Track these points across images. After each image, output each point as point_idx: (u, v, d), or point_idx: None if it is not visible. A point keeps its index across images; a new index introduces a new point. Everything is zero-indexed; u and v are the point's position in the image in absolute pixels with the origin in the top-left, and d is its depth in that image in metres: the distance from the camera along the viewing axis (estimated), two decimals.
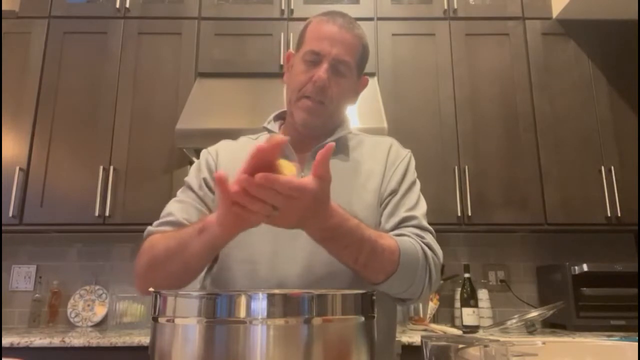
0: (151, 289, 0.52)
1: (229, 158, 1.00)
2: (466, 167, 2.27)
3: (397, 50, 2.43)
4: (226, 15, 2.47)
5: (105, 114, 2.33)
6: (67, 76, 2.38)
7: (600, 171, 2.27)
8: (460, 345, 0.56)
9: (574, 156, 2.31)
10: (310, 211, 0.66)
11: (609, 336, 1.67)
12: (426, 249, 0.86)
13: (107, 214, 2.19)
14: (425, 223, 0.92)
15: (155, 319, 0.49)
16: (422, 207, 0.95)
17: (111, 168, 2.25)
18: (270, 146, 0.61)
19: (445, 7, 2.47)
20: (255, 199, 0.61)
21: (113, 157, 2.27)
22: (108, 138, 2.30)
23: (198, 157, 1.04)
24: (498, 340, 0.56)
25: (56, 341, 1.81)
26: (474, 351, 0.55)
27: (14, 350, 1.79)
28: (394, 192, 0.94)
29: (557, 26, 2.46)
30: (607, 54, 2.42)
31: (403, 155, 1.01)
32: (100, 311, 2.37)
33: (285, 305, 0.46)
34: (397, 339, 1.79)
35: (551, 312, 2.08)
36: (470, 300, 2.25)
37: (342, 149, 1.00)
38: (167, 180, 2.25)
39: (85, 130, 2.31)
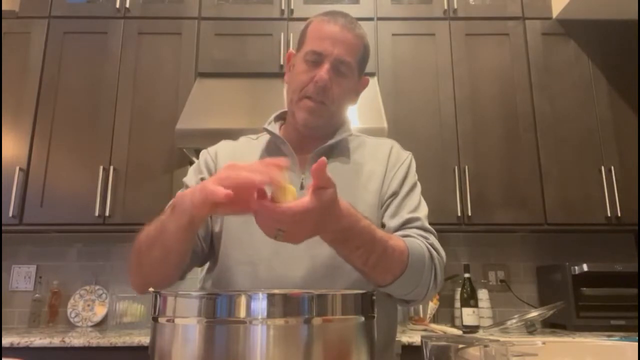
0: (151, 289, 0.52)
1: (228, 158, 1.00)
2: (466, 167, 2.27)
3: (397, 50, 2.43)
4: (226, 15, 2.47)
5: (105, 114, 2.33)
6: (67, 76, 2.38)
7: (600, 171, 2.27)
8: (460, 345, 0.56)
9: (574, 156, 2.31)
10: (320, 223, 0.66)
11: (609, 336, 1.66)
12: (432, 249, 0.86)
13: (107, 214, 2.19)
14: (427, 224, 0.92)
15: (155, 319, 0.49)
16: (424, 209, 0.96)
17: (111, 168, 2.25)
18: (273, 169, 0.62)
19: (445, 7, 2.47)
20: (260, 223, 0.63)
21: (113, 157, 2.27)
22: (108, 138, 2.30)
23: (198, 157, 1.04)
24: (498, 340, 0.56)
25: (56, 341, 1.81)
26: (474, 351, 0.55)
27: (14, 350, 1.79)
28: (395, 194, 0.94)
29: (557, 26, 2.46)
30: (607, 54, 2.42)
31: (404, 158, 1.01)
32: (100, 311, 2.37)
33: (285, 305, 0.46)
34: (397, 339, 1.79)
35: (551, 312, 2.08)
36: (470, 300, 2.25)
37: (343, 150, 1.00)
38: (167, 180, 2.25)
39: (85, 130, 2.31)
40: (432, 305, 2.25)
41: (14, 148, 2.27)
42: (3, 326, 2.33)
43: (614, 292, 2.13)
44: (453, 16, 2.47)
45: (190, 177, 0.99)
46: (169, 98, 2.35)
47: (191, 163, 2.27)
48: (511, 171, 2.29)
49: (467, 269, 2.33)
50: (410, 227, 0.90)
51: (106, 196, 2.20)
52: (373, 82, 2.32)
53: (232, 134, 1.09)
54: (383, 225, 0.93)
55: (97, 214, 2.19)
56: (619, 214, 2.21)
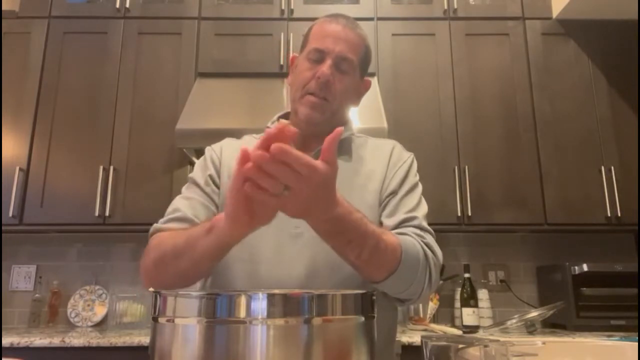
0: (151, 289, 0.52)
1: (232, 155, 1.00)
2: (466, 167, 2.27)
3: (397, 50, 2.43)
4: (226, 15, 2.47)
5: (105, 114, 2.33)
6: (67, 76, 2.38)
7: (600, 171, 2.27)
8: (460, 345, 0.56)
9: (574, 156, 2.31)
10: (318, 197, 0.64)
11: (609, 336, 1.67)
12: (427, 249, 0.86)
13: (107, 214, 2.19)
14: (425, 224, 0.92)
15: (155, 319, 0.49)
16: (423, 209, 0.95)
17: (111, 168, 2.25)
18: (283, 132, 0.59)
19: (445, 7, 2.47)
20: (268, 175, 0.59)
21: (113, 157, 2.27)
22: (108, 138, 2.30)
23: (198, 157, 1.05)
24: (498, 340, 0.56)
25: (56, 341, 1.81)
26: (474, 351, 0.55)
27: (14, 350, 1.79)
28: (393, 193, 0.94)
29: (557, 26, 2.46)
30: (607, 54, 2.42)
31: (405, 158, 1.01)
32: (100, 311, 2.37)
33: (285, 305, 0.46)
34: (397, 339, 1.79)
35: (551, 312, 2.08)
36: (470, 300, 2.25)
37: (345, 149, 1.00)
38: (167, 180, 2.25)
39: (85, 130, 2.31)
40: (432, 305, 2.25)
41: (14, 148, 2.27)
42: (3, 326, 2.33)
43: (614, 292, 2.13)
44: (453, 16, 2.47)
45: (197, 173, 0.99)
46: (169, 98, 2.35)
47: (191, 163, 2.27)
48: (511, 171, 2.29)
49: (467, 269, 2.33)
50: (407, 226, 0.90)
51: (106, 196, 2.20)
52: (373, 82, 2.30)
53: (232, 134, 1.09)
54: (381, 224, 0.93)
55: (97, 214, 2.19)
56: (619, 214, 2.21)
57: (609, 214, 2.22)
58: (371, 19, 2.46)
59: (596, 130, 2.34)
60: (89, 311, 2.37)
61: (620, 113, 2.36)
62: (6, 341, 1.80)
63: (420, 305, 2.24)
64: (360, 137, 1.06)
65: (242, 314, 0.45)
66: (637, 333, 1.97)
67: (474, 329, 2.19)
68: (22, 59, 2.38)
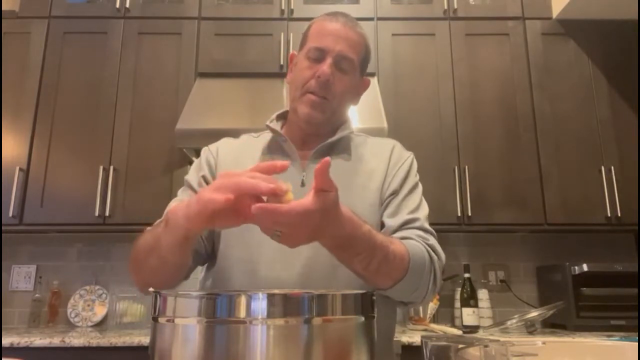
0: (151, 289, 0.52)
1: (229, 155, 1.00)
2: (466, 167, 2.27)
3: (397, 50, 2.43)
4: (226, 15, 2.47)
5: (105, 114, 2.33)
6: (67, 76, 2.38)
7: (600, 171, 2.27)
8: (460, 345, 0.56)
9: (574, 156, 2.31)
10: (321, 227, 0.65)
11: (609, 336, 1.66)
12: (431, 252, 0.86)
13: (107, 214, 2.19)
14: (427, 225, 0.92)
15: (155, 319, 0.49)
16: (424, 209, 0.95)
17: (111, 168, 2.25)
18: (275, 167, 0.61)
19: (445, 7, 2.47)
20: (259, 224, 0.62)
21: (113, 157, 2.27)
22: (108, 138, 2.30)
23: (198, 157, 1.04)
24: (498, 340, 0.56)
25: (56, 341, 1.81)
26: (474, 351, 0.55)
27: (14, 350, 1.79)
28: (395, 193, 0.94)
29: (557, 26, 2.46)
30: (607, 54, 2.42)
31: (405, 157, 1.01)
32: (100, 311, 2.37)
33: (285, 305, 0.46)
34: (397, 339, 1.79)
35: (551, 312, 2.08)
36: (470, 300, 2.25)
37: (344, 148, 1.00)
38: (167, 180, 2.25)
39: (85, 130, 2.31)
40: (432, 305, 2.25)
41: (14, 148, 2.27)
42: (3, 326, 2.33)
43: (614, 292, 2.13)
44: (453, 16, 2.47)
45: (192, 174, 0.99)
46: (169, 98, 2.35)
47: (191, 163, 2.26)
48: (511, 171, 2.29)
49: (467, 269, 2.33)
50: (410, 228, 0.90)
51: (106, 196, 2.20)
52: (373, 82, 2.32)
53: (232, 134, 1.09)
54: (382, 224, 0.92)
55: (97, 214, 2.19)
56: (619, 214, 2.21)
57: (609, 214, 2.22)
58: (371, 19, 2.45)
59: (596, 130, 2.34)
60: (89, 311, 2.37)
61: (620, 113, 2.36)
62: (6, 341, 1.79)
63: (420, 305, 2.24)
64: (360, 135, 1.06)
65: (242, 314, 0.45)
66: (637, 333, 1.97)
67: (474, 329, 2.19)
68: (22, 59, 2.38)
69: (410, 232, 0.89)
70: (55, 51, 2.40)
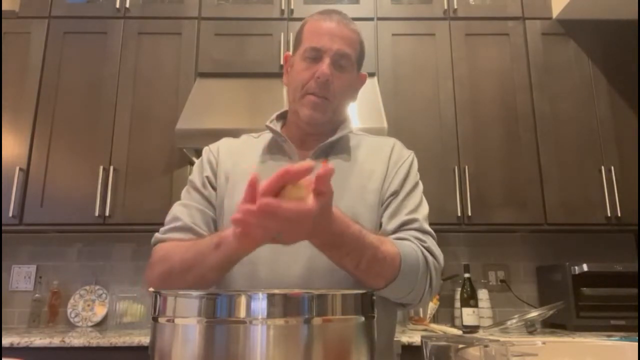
0: (151, 289, 0.52)
1: (229, 155, 1.00)
2: (466, 167, 2.27)
3: (397, 50, 2.43)
4: (226, 15, 2.47)
5: (105, 114, 2.33)
6: (67, 76, 2.38)
7: (600, 171, 2.27)
8: (460, 345, 0.56)
9: (574, 156, 2.31)
10: (314, 227, 0.66)
11: (609, 336, 1.66)
12: (427, 253, 0.86)
13: (107, 214, 2.19)
14: (426, 226, 0.91)
15: (155, 319, 0.49)
16: (424, 209, 0.95)
17: (111, 168, 2.25)
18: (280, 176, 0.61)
19: (445, 7, 2.47)
20: (258, 225, 0.62)
21: (113, 157, 2.27)
22: (108, 138, 2.30)
23: (198, 157, 1.05)
24: (498, 340, 0.56)
25: (56, 341, 1.81)
26: (474, 351, 0.55)
27: (14, 350, 1.79)
28: (395, 193, 0.94)
29: (557, 26, 2.46)
30: (607, 54, 2.42)
31: (406, 156, 1.00)
32: (100, 311, 2.37)
33: (285, 305, 0.46)
34: (397, 339, 1.79)
35: (551, 312, 2.08)
36: (470, 300, 2.25)
37: (344, 148, 1.00)
38: (167, 180, 2.25)
39: (85, 130, 2.31)
40: (432, 305, 2.25)
41: (14, 148, 2.27)
42: (3, 326, 2.33)
43: (614, 292, 2.13)
44: (453, 16, 2.47)
45: (195, 175, 1.00)
46: (168, 98, 2.35)
47: (191, 163, 2.27)
48: (511, 171, 2.29)
49: (467, 269, 2.33)
50: (408, 229, 0.89)
51: (106, 196, 2.20)
52: (373, 82, 2.32)
53: (232, 134, 1.09)
54: (381, 224, 0.92)
55: (97, 214, 2.19)
56: (619, 214, 2.21)
57: (609, 214, 2.22)
58: (371, 19, 2.45)
59: (596, 130, 2.34)
60: (89, 311, 2.37)
61: (620, 113, 2.36)
62: (6, 341, 1.80)
63: (420, 307, 2.24)
64: (359, 135, 1.05)
65: (242, 314, 0.45)
66: (637, 333, 1.97)
67: (474, 329, 2.19)
68: (22, 59, 2.38)
69: (407, 233, 0.88)
70: (55, 51, 2.40)
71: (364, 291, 0.51)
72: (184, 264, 0.80)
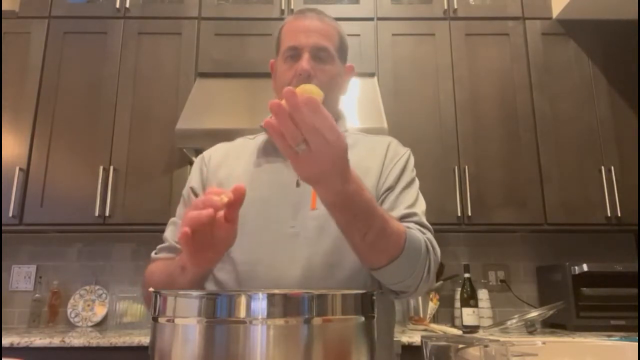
0: (151, 289, 0.52)
1: (222, 161, 1.01)
2: (466, 167, 2.27)
3: (397, 50, 2.43)
4: (226, 15, 2.47)
5: (105, 114, 2.33)
6: (67, 76, 2.38)
7: (600, 171, 2.27)
8: (460, 345, 0.56)
9: (574, 156, 2.31)
10: (335, 167, 0.63)
11: (609, 336, 1.66)
12: (428, 243, 0.85)
13: (107, 214, 2.19)
14: (425, 221, 0.91)
15: (155, 319, 0.49)
16: (422, 204, 0.94)
17: (111, 168, 2.25)
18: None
19: (445, 7, 2.47)
20: (291, 124, 0.58)
21: (113, 157, 2.27)
22: (108, 138, 2.30)
23: (198, 156, 1.05)
24: (498, 340, 0.56)
25: (56, 341, 1.81)
26: (474, 351, 0.55)
27: (14, 350, 1.79)
28: (390, 188, 0.93)
29: (557, 26, 2.46)
30: (607, 54, 2.42)
31: (401, 153, 1.00)
32: (100, 311, 2.37)
33: (285, 305, 0.46)
34: (397, 339, 1.79)
35: (551, 312, 2.08)
36: (470, 300, 2.25)
37: None
38: (167, 180, 2.25)
39: (85, 130, 2.31)
40: (432, 305, 2.25)
41: (14, 148, 2.27)
42: (3, 326, 2.34)
43: (614, 292, 2.13)
44: (453, 16, 2.47)
45: (186, 185, 1.02)
46: (168, 98, 2.35)
47: (191, 163, 2.27)
48: (511, 171, 2.29)
49: (467, 269, 2.33)
50: (408, 222, 0.89)
51: (106, 196, 2.20)
52: (373, 82, 2.32)
53: (232, 134, 1.09)
54: None
55: (97, 214, 2.19)
56: (619, 214, 2.21)
57: (609, 214, 2.22)
58: (371, 19, 2.45)
59: (596, 130, 2.34)
60: (89, 311, 2.37)
61: (620, 113, 2.36)
62: (6, 341, 1.80)
63: (420, 305, 2.24)
64: (355, 134, 1.05)
65: (242, 314, 0.45)
66: (637, 333, 1.97)
67: (474, 329, 2.19)
68: (22, 59, 2.38)
69: (408, 224, 0.88)
70: (55, 51, 2.40)
71: (364, 291, 0.51)
72: (159, 286, 0.82)
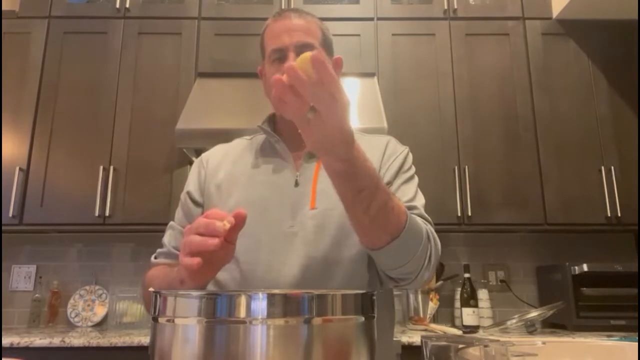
0: (151, 289, 0.52)
1: (220, 163, 1.01)
2: (466, 167, 2.27)
3: (397, 50, 2.43)
4: (226, 15, 2.47)
5: (105, 114, 2.33)
6: (67, 76, 2.38)
7: (600, 171, 2.27)
8: (460, 345, 0.56)
9: (574, 156, 2.31)
10: (342, 131, 0.64)
11: (609, 336, 1.67)
12: (430, 232, 0.84)
13: (107, 214, 2.19)
14: (425, 214, 0.90)
15: (155, 319, 0.49)
16: (421, 199, 0.94)
17: (111, 168, 2.25)
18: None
19: (445, 7, 2.47)
20: (296, 92, 0.59)
21: (113, 157, 2.27)
22: (108, 138, 2.30)
23: (198, 157, 1.05)
24: (498, 340, 0.56)
25: (56, 341, 1.81)
26: (474, 351, 0.55)
27: (14, 350, 1.79)
28: (388, 184, 0.92)
29: (557, 26, 2.46)
30: (607, 54, 2.42)
31: (400, 151, 0.99)
32: (100, 311, 2.37)
33: (285, 305, 0.46)
34: (397, 339, 1.79)
35: (551, 312, 2.08)
36: (470, 300, 2.25)
37: None
38: (167, 180, 2.25)
39: (85, 130, 2.31)
40: (432, 305, 2.25)
41: (14, 148, 2.27)
42: (3, 326, 2.34)
43: (614, 292, 2.13)
44: (453, 16, 2.47)
45: (184, 189, 1.03)
46: (169, 98, 2.35)
47: (191, 163, 2.27)
48: (511, 171, 2.29)
49: (467, 269, 2.33)
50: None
51: (106, 196, 2.20)
52: (373, 82, 2.32)
53: (232, 134, 1.09)
54: None
55: (97, 214, 2.19)
56: (619, 214, 2.21)
57: (609, 214, 2.22)
58: (371, 19, 2.45)
59: (596, 130, 2.34)
60: (89, 311, 2.37)
61: (620, 113, 2.36)
62: (6, 341, 1.80)
63: (421, 305, 2.24)
64: (354, 133, 1.05)
65: (242, 314, 0.45)
66: (637, 333, 1.97)
67: (474, 329, 2.19)
68: (22, 59, 2.38)
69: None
70: (55, 51, 2.40)
71: (364, 291, 0.51)
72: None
